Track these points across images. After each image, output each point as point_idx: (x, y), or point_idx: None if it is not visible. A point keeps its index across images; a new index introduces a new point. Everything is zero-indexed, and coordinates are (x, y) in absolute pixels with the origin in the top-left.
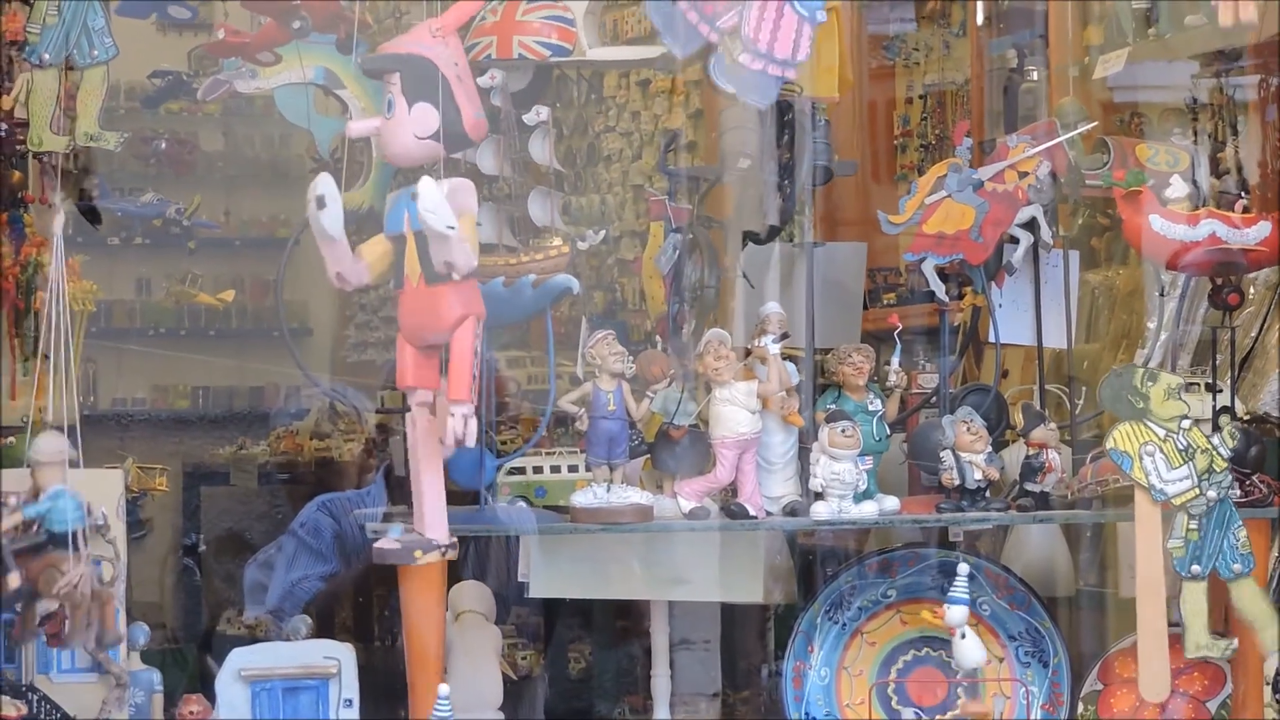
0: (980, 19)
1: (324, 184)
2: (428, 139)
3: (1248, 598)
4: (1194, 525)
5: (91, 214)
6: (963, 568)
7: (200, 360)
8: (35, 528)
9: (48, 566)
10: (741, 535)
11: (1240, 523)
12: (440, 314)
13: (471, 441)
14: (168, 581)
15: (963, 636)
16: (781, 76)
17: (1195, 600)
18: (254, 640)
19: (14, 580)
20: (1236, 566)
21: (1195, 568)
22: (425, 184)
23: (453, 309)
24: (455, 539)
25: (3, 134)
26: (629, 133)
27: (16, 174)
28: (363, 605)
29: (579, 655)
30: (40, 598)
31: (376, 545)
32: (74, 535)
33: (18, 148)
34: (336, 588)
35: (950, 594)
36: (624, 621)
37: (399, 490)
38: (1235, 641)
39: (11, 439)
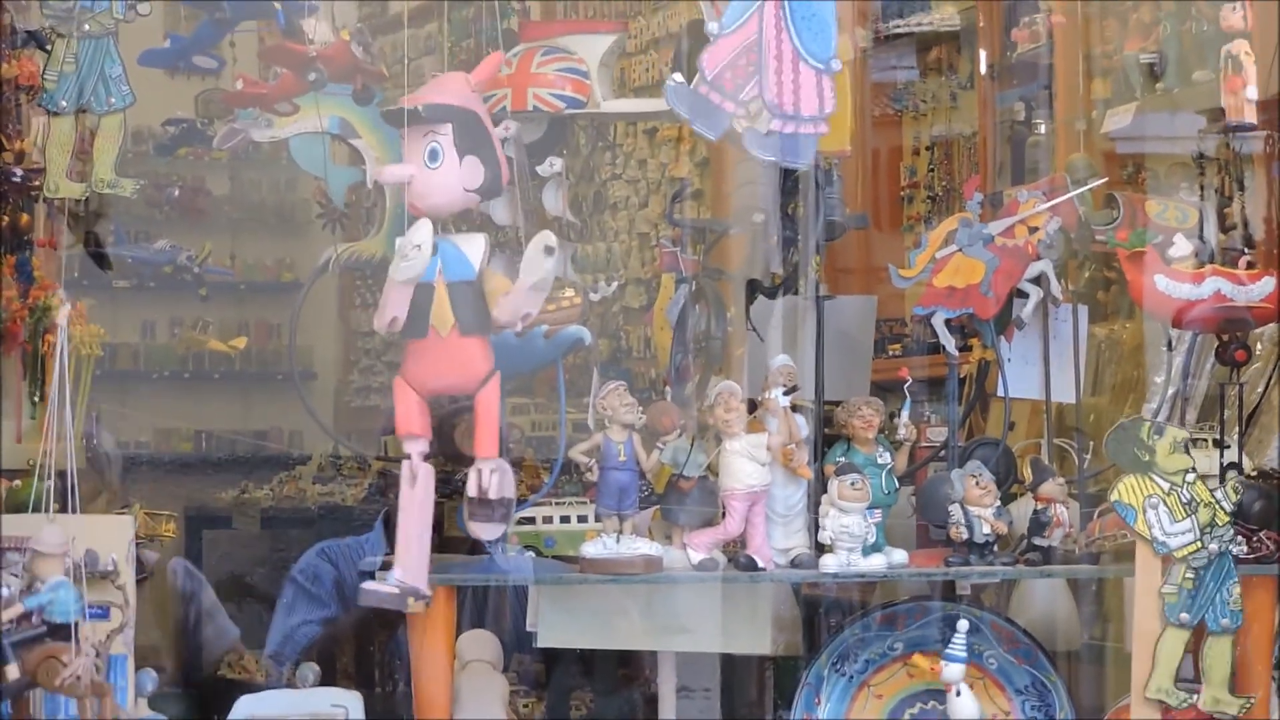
0: (984, 68)
1: (428, 230)
2: (473, 192)
3: (1216, 654)
4: (1190, 575)
5: (100, 258)
6: (962, 624)
7: (203, 404)
8: (35, 618)
9: (48, 658)
10: (750, 587)
11: (1236, 579)
12: (472, 367)
13: (496, 493)
14: (169, 625)
15: (958, 694)
16: (815, 133)
17: (1172, 646)
18: (254, 684)
19: (13, 671)
20: (1225, 621)
21: (1184, 616)
22: (553, 238)
23: (484, 363)
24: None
25: (19, 179)
26: (635, 180)
27: (25, 217)
28: (363, 652)
29: (580, 703)
30: (38, 689)
31: (366, 586)
32: (74, 626)
33: (33, 194)
34: (337, 634)
35: (947, 651)
36: (625, 670)
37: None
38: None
39: (18, 482)
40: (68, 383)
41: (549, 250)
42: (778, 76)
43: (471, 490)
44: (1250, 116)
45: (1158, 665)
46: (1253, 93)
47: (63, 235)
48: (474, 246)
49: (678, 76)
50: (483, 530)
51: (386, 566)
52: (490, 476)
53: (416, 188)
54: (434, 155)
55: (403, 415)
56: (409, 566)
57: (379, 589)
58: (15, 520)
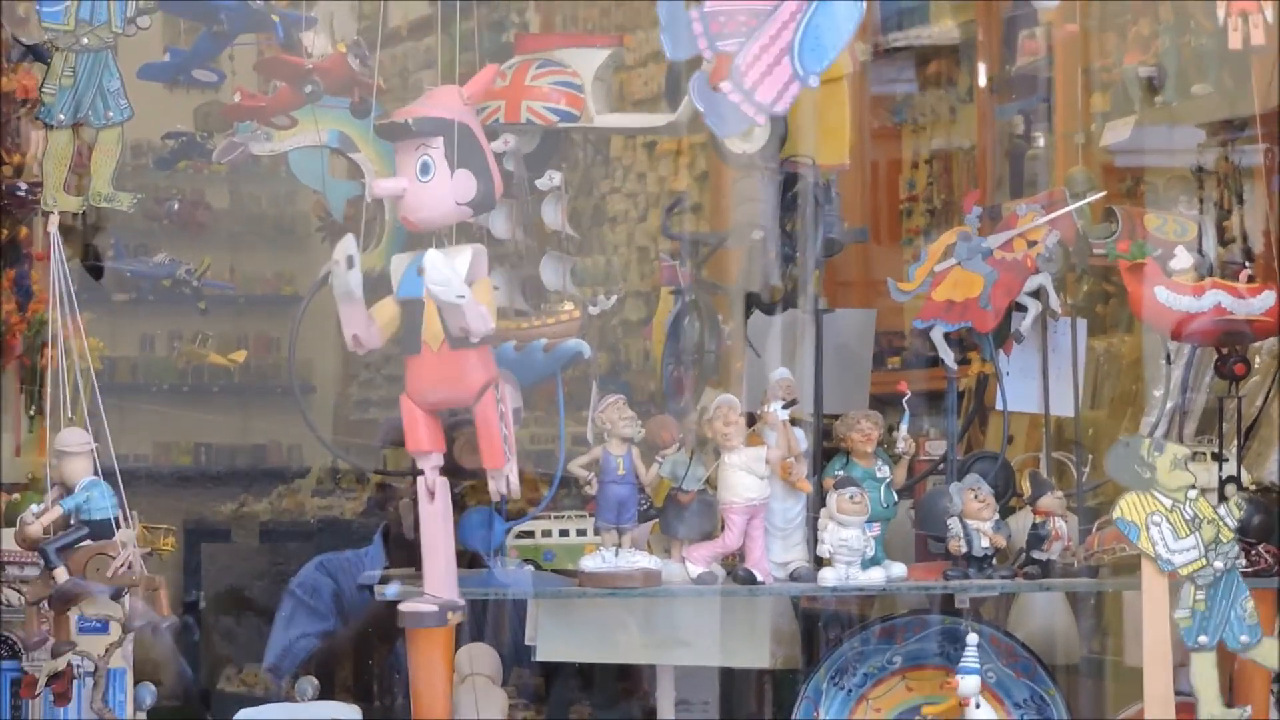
0: (983, 82)
1: (352, 245)
2: (465, 205)
3: (1201, 670)
4: (1201, 596)
5: (96, 271)
6: (972, 638)
7: (203, 417)
8: (72, 521)
9: (96, 554)
10: (748, 600)
11: (1248, 594)
12: (465, 380)
13: (517, 494)
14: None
15: (977, 706)
16: (750, 118)
17: (1204, 671)
18: (253, 698)
19: (62, 575)
20: (1244, 638)
21: (1203, 639)
22: (431, 257)
23: (478, 375)
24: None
25: (22, 192)
26: (634, 194)
27: (24, 230)
28: (362, 665)
29: (579, 717)
30: (89, 589)
31: (404, 608)
32: (114, 521)
33: (33, 208)
34: (336, 647)
35: (961, 664)
36: (624, 683)
37: (397, 550)
38: (1248, 709)
39: (16, 495)
40: (66, 396)
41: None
42: (760, 52)
43: (496, 498)
44: (1259, 40)
45: (1200, 695)
46: (1270, 14)
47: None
48: (460, 259)
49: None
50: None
51: (386, 580)
52: (509, 482)
53: (409, 201)
54: (425, 169)
55: (411, 432)
56: (437, 580)
57: (419, 608)
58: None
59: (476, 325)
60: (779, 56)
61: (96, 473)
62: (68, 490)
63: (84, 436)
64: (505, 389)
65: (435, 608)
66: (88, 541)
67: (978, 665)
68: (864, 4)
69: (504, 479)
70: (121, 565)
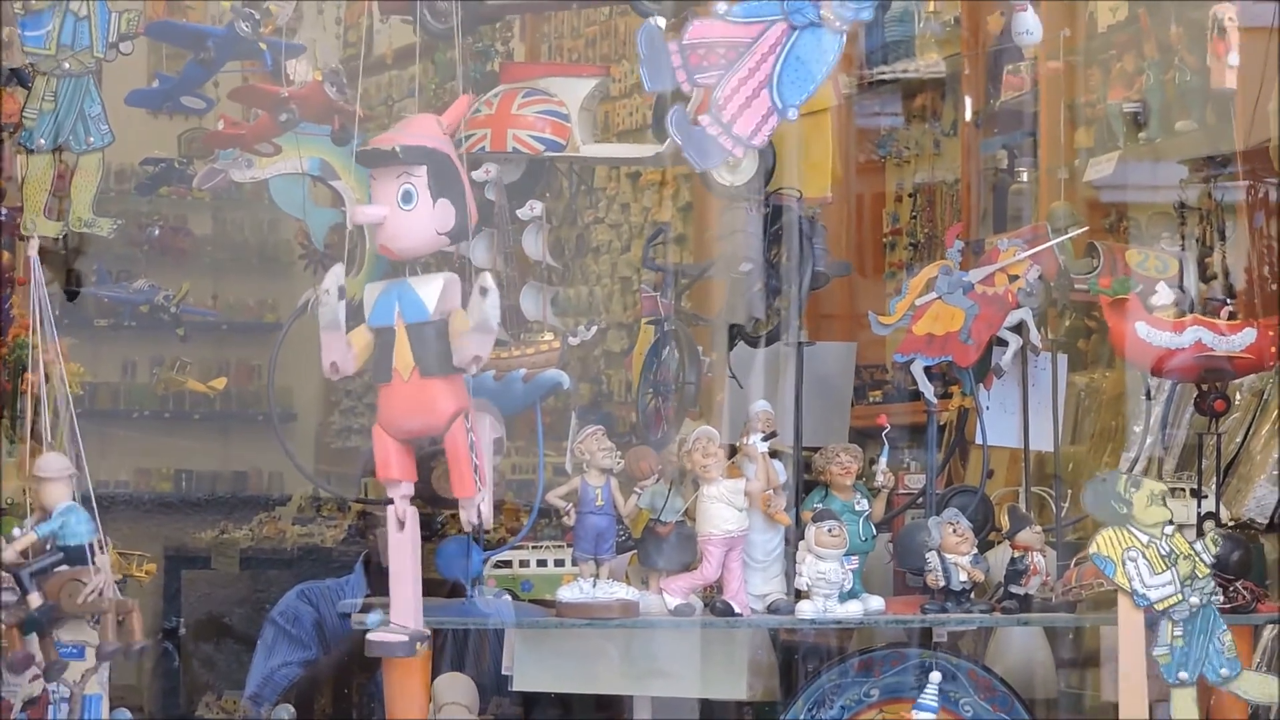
0: (968, 116)
1: (341, 275)
2: (444, 235)
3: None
4: (1179, 633)
5: (72, 295)
6: (934, 675)
7: (184, 443)
8: (49, 546)
9: (69, 581)
10: (727, 632)
11: (1225, 627)
12: (436, 408)
13: (488, 524)
14: (146, 665)
15: None
16: (728, 151)
17: (1186, 707)
18: None
19: (35, 600)
20: (1224, 671)
21: (1182, 674)
22: (491, 281)
23: (448, 403)
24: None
25: (4, 217)
26: (618, 224)
27: (6, 254)
28: (341, 693)
29: None
30: (65, 614)
31: (373, 638)
32: (89, 547)
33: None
34: (317, 675)
35: (920, 700)
36: (602, 713)
37: (378, 579)
38: None
39: None
40: (47, 421)
41: (484, 292)
42: (739, 85)
43: (467, 528)
44: (1231, 83)
45: None
46: (1234, 59)
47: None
48: (430, 288)
49: (680, 108)
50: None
51: (367, 608)
52: (481, 510)
53: (388, 229)
54: (408, 197)
55: (381, 461)
56: (404, 610)
57: (387, 638)
58: None
59: (487, 354)
60: (758, 89)
61: (75, 498)
62: (47, 515)
63: (63, 462)
64: (485, 418)
65: (405, 638)
66: (64, 567)
67: (936, 702)
68: (843, 37)
69: (475, 508)
70: (92, 592)
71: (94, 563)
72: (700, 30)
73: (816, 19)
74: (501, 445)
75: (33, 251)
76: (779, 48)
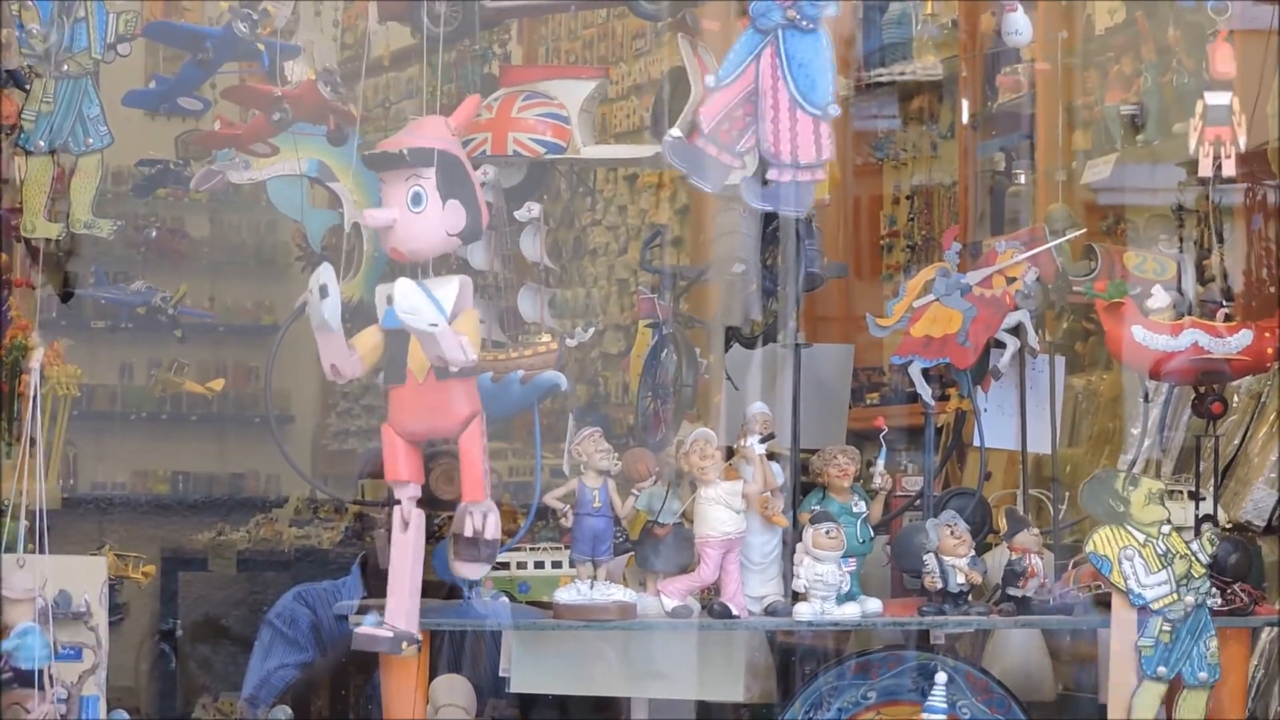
0: (965, 118)
1: (327, 274)
2: (455, 236)
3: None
4: (1167, 628)
5: (66, 295)
6: (940, 675)
7: (181, 445)
8: (2, 664)
9: (12, 704)
10: (724, 634)
11: (1213, 632)
12: (450, 411)
13: (491, 534)
14: (143, 667)
15: None
16: (812, 180)
17: (1150, 702)
18: None
19: None
20: (1203, 675)
21: (1161, 669)
22: (402, 285)
23: (462, 407)
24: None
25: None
26: (615, 226)
27: (4, 256)
28: (338, 696)
29: None
30: None
31: (360, 631)
32: (40, 674)
33: (12, 234)
34: (313, 677)
35: (928, 703)
36: (599, 715)
37: (375, 581)
38: None
39: None
40: (41, 423)
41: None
42: (774, 125)
43: (467, 532)
44: (1227, 170)
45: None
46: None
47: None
48: (446, 289)
49: (675, 131)
50: (468, 570)
51: (364, 610)
52: (484, 518)
53: (399, 232)
54: (418, 199)
55: (390, 462)
56: (400, 612)
57: (374, 634)
58: None
59: (454, 355)
60: (792, 114)
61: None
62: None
63: (28, 583)
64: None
65: (390, 634)
66: (15, 686)
67: (946, 704)
68: (821, 31)
69: (481, 515)
70: None
71: (41, 690)
72: (709, 112)
73: (783, 20)
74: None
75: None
76: (778, 70)
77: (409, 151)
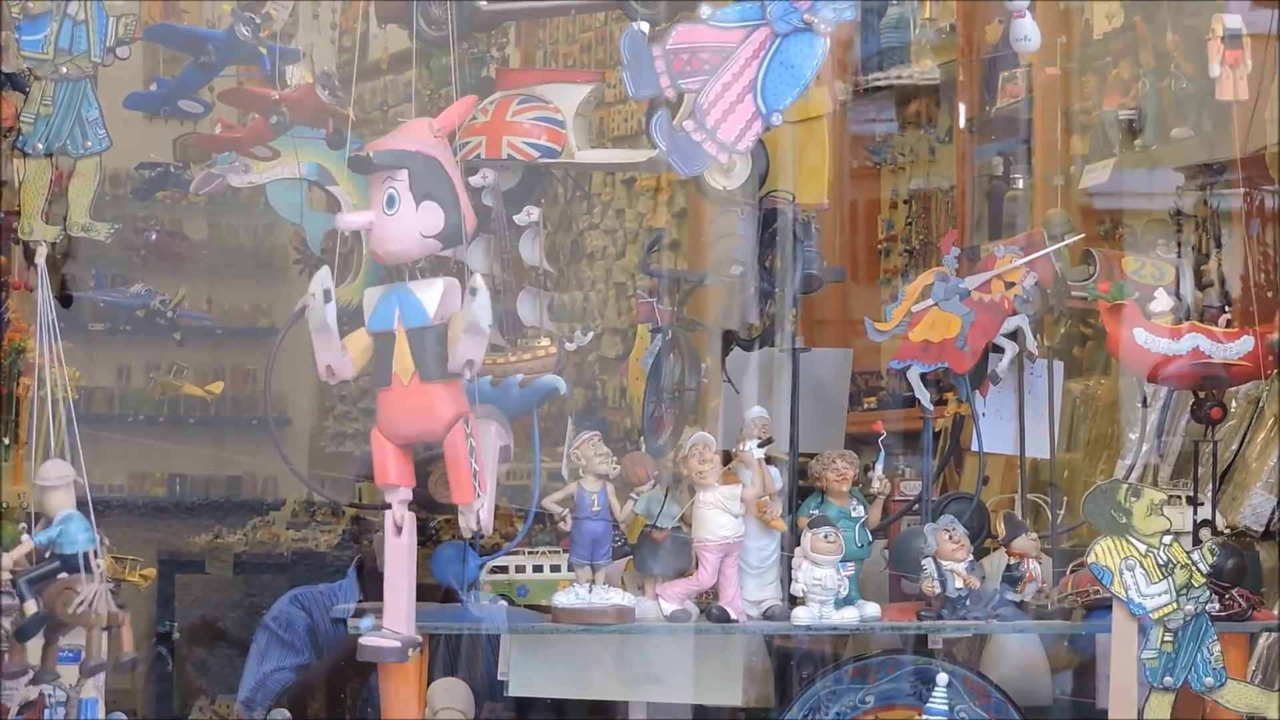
0: (963, 122)
1: (327, 278)
2: (432, 238)
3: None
4: (1169, 638)
5: (65, 299)
6: (941, 678)
7: (178, 448)
8: (47, 554)
9: (64, 589)
10: (722, 638)
11: (1215, 637)
12: (436, 413)
13: (489, 530)
14: (140, 669)
15: None
16: (713, 156)
17: (1161, 711)
18: None
19: (31, 607)
20: (1209, 680)
21: (1168, 679)
22: (481, 281)
23: (447, 409)
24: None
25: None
26: (613, 230)
27: (2, 259)
28: (335, 699)
29: None
30: (59, 622)
31: (365, 642)
32: (85, 556)
33: (10, 237)
34: (310, 681)
35: (929, 705)
36: (597, 718)
37: (371, 584)
38: None
39: None
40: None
41: (473, 292)
42: (722, 90)
43: (465, 532)
44: (1244, 94)
45: None
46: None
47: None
48: (430, 292)
49: (665, 111)
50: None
51: (360, 614)
52: (480, 516)
53: (375, 234)
54: (391, 201)
55: (380, 466)
56: (398, 616)
57: (380, 644)
58: None
59: (481, 358)
60: (742, 94)
61: (78, 505)
62: (48, 522)
63: (64, 469)
64: (491, 425)
65: (397, 643)
66: (61, 575)
67: (947, 707)
68: (827, 41)
69: (474, 514)
70: (83, 602)
71: (88, 571)
72: (684, 35)
73: (801, 24)
74: (509, 453)
75: (40, 259)
76: (763, 53)
77: (376, 154)
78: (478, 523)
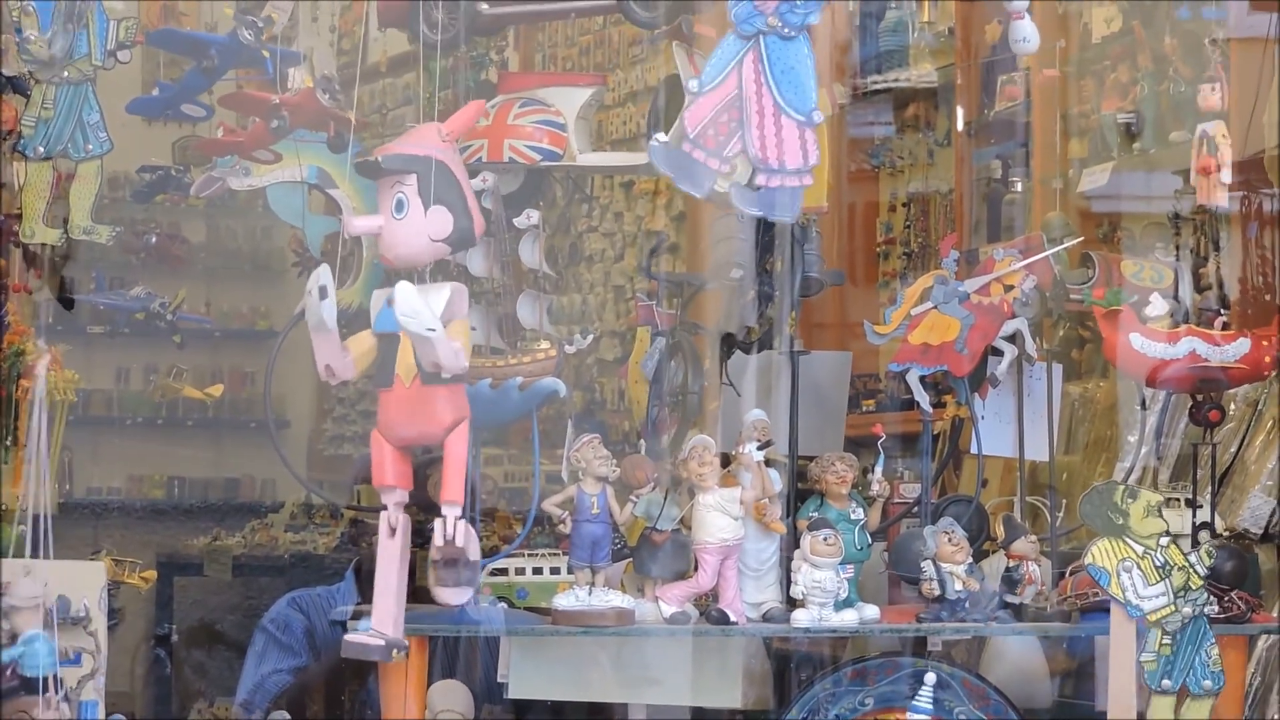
0: (961, 125)
1: (325, 276)
2: (440, 242)
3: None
4: (1167, 640)
5: (67, 302)
6: (929, 676)
7: (176, 450)
8: (10, 672)
9: (18, 712)
10: (721, 640)
11: (1213, 640)
12: (436, 416)
13: (462, 541)
14: (138, 671)
15: None
16: (799, 186)
17: (1162, 714)
18: None
19: None
20: (1207, 683)
21: (1166, 682)
22: (402, 288)
23: (447, 412)
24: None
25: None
26: (611, 233)
27: (2, 261)
28: (334, 701)
29: None
30: None
31: (349, 638)
32: (45, 681)
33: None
34: (308, 683)
35: (913, 703)
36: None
37: (369, 587)
38: None
39: None
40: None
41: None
42: (760, 130)
43: (437, 540)
44: (1221, 200)
45: None
46: (1226, 176)
47: (41, 280)
48: (437, 297)
49: (661, 136)
50: (450, 595)
51: (358, 616)
52: (456, 525)
53: (385, 238)
54: (400, 206)
55: (377, 467)
56: (387, 618)
57: (365, 641)
58: None
59: (448, 361)
60: (776, 119)
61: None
62: (13, 639)
63: (33, 590)
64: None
65: (382, 642)
66: (22, 695)
67: (930, 705)
68: (806, 40)
69: (453, 521)
70: None
71: (45, 695)
72: (694, 117)
73: (765, 27)
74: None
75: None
76: (762, 75)
77: (384, 159)
78: (451, 528)
